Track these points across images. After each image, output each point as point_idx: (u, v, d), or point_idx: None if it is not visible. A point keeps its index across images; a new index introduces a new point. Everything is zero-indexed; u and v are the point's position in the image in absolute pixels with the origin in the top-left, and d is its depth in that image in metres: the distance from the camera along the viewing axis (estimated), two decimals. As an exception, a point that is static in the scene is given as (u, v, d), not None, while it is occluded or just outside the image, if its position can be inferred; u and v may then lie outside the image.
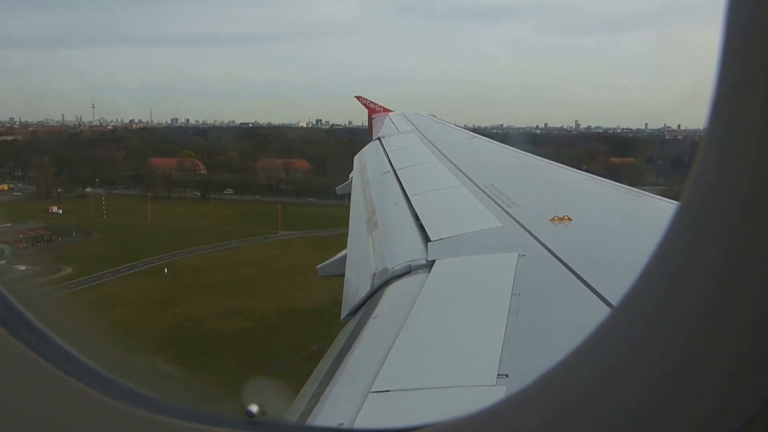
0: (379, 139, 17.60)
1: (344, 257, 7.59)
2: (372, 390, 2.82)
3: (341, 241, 8.66)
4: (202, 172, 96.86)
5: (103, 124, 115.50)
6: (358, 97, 35.08)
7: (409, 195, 8.19)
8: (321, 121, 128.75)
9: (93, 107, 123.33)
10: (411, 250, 5.58)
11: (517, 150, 12.32)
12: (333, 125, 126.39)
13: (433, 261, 4.97)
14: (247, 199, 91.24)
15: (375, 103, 32.54)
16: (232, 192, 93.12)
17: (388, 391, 2.82)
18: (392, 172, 10.80)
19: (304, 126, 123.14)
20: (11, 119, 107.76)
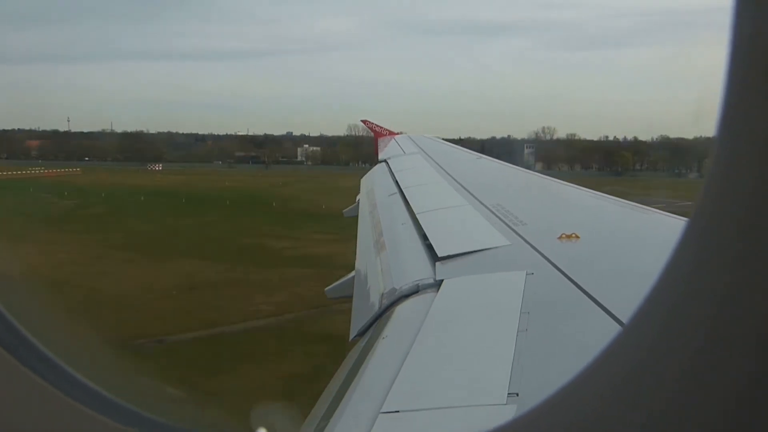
0: (385, 161, 17.72)
1: (352, 278, 7.59)
2: (382, 410, 2.80)
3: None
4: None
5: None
6: (364, 121, 35.35)
7: (416, 214, 8.20)
8: (292, 133, 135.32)
9: (68, 120, 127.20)
10: (419, 269, 5.57)
11: (524, 169, 12.34)
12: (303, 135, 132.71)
13: (442, 280, 4.96)
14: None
15: (381, 127, 32.75)
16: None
17: (398, 411, 2.80)
18: (399, 193, 10.83)
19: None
20: (18, 129, 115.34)
